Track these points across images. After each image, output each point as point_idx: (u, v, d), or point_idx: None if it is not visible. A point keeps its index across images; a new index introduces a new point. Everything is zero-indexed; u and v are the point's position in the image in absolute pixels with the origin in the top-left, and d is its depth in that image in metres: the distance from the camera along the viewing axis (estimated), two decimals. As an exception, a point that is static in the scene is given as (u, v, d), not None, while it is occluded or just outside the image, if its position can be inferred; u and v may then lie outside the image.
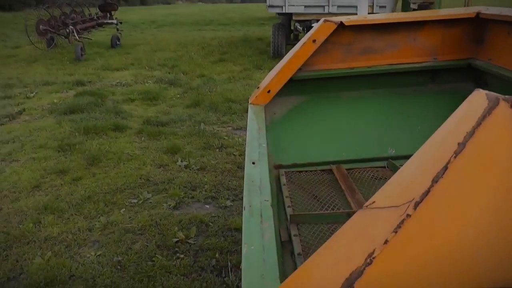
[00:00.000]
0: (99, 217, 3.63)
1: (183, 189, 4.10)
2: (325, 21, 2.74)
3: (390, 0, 3.91)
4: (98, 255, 3.14)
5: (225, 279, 2.84)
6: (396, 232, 0.76)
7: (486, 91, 0.84)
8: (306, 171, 2.75)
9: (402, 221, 0.76)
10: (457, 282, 0.77)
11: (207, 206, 3.79)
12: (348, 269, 0.77)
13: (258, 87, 2.68)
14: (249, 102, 2.63)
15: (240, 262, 1.31)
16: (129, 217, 3.61)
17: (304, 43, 2.69)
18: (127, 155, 4.94)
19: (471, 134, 0.79)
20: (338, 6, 10.73)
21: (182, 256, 3.09)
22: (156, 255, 3.09)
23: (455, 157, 0.78)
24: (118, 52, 12.93)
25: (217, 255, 3.08)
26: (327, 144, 2.90)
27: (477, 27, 2.78)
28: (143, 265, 3.00)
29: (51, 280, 2.87)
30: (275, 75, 2.66)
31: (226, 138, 5.45)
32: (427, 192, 0.77)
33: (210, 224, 3.48)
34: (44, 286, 2.84)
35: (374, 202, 0.90)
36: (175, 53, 12.58)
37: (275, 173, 2.63)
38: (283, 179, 2.57)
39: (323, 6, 11.00)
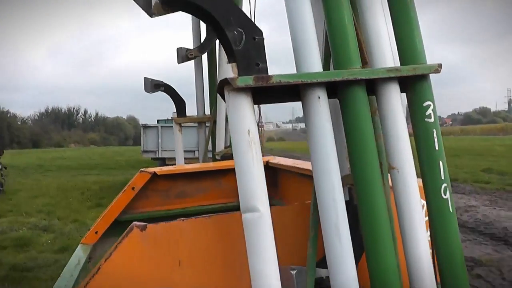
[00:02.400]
0: None
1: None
2: (141, 171, 3.09)
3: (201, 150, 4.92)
4: None
5: None
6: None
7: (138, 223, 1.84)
8: None
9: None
10: None
11: None
12: None
13: (89, 229, 3.07)
14: (80, 242, 2.99)
15: None
16: None
17: (124, 190, 3.00)
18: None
19: (108, 256, 1.78)
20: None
21: None
22: None
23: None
24: None
25: None
26: None
27: (271, 173, 3.36)
28: None
29: None
30: (101, 217, 2.96)
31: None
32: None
33: None
34: None
35: None
36: (54, 198, 12.94)
37: None
38: None
39: (194, 151, 12.32)
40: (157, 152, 12.74)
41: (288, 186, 3.34)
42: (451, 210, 1.43)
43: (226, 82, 1.26)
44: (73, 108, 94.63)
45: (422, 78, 1.45)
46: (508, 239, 7.40)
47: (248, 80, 1.26)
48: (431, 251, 1.49)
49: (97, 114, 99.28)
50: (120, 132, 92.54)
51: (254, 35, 1.29)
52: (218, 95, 4.26)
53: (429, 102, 1.43)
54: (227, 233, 1.69)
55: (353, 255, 1.36)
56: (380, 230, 1.36)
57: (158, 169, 3.12)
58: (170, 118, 19.03)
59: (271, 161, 3.34)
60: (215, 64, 4.51)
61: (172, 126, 13.97)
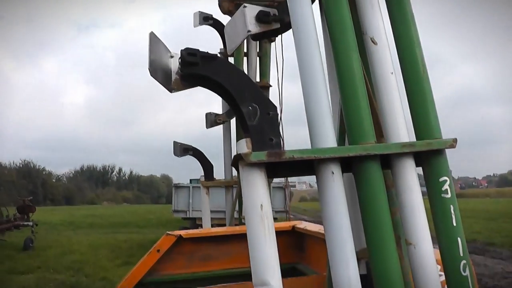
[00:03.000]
0: None
1: None
2: (167, 234, 3.19)
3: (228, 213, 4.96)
4: None
5: None
6: None
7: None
8: None
9: None
10: None
11: None
12: None
13: None
14: None
15: None
16: None
17: (150, 252, 3.07)
18: None
19: None
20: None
21: None
22: None
23: None
24: (29, 254, 13.15)
25: None
26: None
27: (297, 237, 3.43)
28: None
29: None
30: (125, 279, 3.01)
31: None
32: None
33: None
34: None
35: None
36: (84, 255, 13.07)
37: None
38: None
39: (223, 211, 12.35)
40: (187, 212, 12.84)
41: (315, 252, 3.33)
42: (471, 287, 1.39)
43: (239, 157, 1.29)
44: (108, 166, 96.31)
45: (437, 153, 1.44)
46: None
47: (261, 156, 1.28)
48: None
49: (131, 172, 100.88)
50: (154, 190, 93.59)
51: (268, 110, 1.32)
52: None
53: (445, 178, 1.41)
54: None
55: None
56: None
57: (184, 232, 3.17)
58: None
59: (297, 225, 3.38)
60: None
61: (203, 186, 14.21)
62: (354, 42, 1.46)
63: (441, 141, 1.44)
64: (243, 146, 1.28)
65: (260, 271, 1.26)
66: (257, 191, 1.28)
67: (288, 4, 1.54)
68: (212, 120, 4.46)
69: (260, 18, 1.61)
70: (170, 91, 1.35)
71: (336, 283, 1.32)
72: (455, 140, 1.45)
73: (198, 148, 4.59)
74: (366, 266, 1.58)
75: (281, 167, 1.38)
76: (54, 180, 76.26)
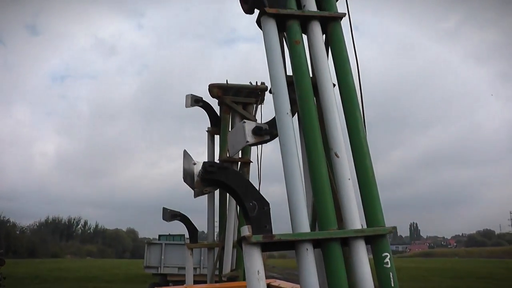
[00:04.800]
0: None
1: None
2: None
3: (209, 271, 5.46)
4: None
5: None
6: None
7: None
8: None
9: None
10: None
11: None
12: None
13: None
14: None
15: None
16: None
17: None
18: None
19: None
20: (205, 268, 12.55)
21: None
22: None
23: None
24: None
25: None
26: None
27: None
28: None
29: None
30: None
31: None
32: None
33: None
34: None
35: None
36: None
37: None
38: None
39: (196, 268, 12.68)
40: (159, 268, 13.08)
41: None
42: None
43: (244, 238, 1.85)
44: (73, 219, 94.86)
45: (381, 236, 2.03)
46: None
47: (259, 238, 1.84)
48: None
49: (97, 225, 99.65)
50: (118, 244, 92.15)
51: (264, 206, 1.90)
52: (226, 223, 4.89)
53: (386, 253, 2.00)
54: None
55: None
56: None
57: None
58: (170, 234, 19.47)
59: (272, 283, 3.78)
60: (225, 200, 5.14)
61: (175, 243, 14.45)
62: (323, 155, 2.08)
63: (384, 228, 2.04)
64: (246, 231, 1.84)
65: None
66: (256, 262, 1.83)
67: (276, 121, 2.16)
68: (199, 191, 4.97)
69: (255, 131, 2.23)
70: (194, 195, 1.91)
71: None
72: (394, 228, 2.07)
73: (181, 211, 5.10)
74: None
75: (271, 244, 1.93)
76: (18, 232, 74.84)
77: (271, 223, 1.89)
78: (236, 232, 4.83)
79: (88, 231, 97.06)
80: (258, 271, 1.83)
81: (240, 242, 1.88)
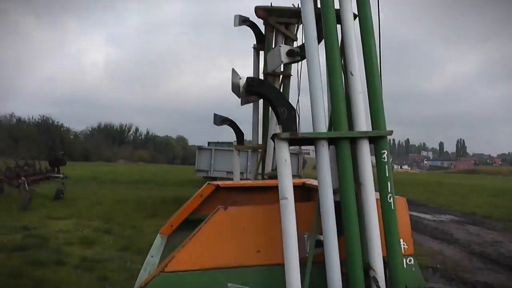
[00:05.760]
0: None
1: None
2: (208, 183, 3.97)
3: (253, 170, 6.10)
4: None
5: None
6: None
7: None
8: None
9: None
10: None
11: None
12: None
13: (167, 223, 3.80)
14: (159, 232, 3.79)
15: None
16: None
17: (194, 196, 3.83)
18: (66, 283, 6.48)
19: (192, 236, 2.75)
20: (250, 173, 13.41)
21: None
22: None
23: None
24: (61, 204, 14.47)
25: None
26: None
27: (307, 191, 4.03)
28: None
29: None
30: (176, 214, 3.78)
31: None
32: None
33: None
34: None
35: None
36: (112, 207, 14.43)
37: None
38: None
39: (242, 173, 13.50)
40: (209, 171, 14.05)
41: None
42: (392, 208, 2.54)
43: (275, 135, 2.48)
44: (125, 126, 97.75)
45: (382, 137, 2.62)
46: (524, 271, 8.19)
47: (287, 135, 2.47)
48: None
49: (148, 132, 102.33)
50: (169, 151, 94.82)
51: (291, 111, 2.51)
52: (268, 130, 5.57)
53: (384, 151, 2.59)
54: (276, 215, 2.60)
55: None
56: (350, 220, 2.51)
57: (221, 183, 3.95)
58: (219, 141, 20.50)
59: (307, 182, 4.24)
60: (268, 110, 5.83)
61: (223, 149, 15.26)
62: (341, 73, 2.63)
63: (384, 131, 2.62)
64: (277, 129, 2.47)
65: (283, 191, 2.45)
66: (284, 153, 2.48)
67: (305, 45, 2.71)
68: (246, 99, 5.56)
69: (289, 53, 2.80)
70: (241, 103, 2.48)
71: (321, 205, 2.53)
72: (391, 132, 2.62)
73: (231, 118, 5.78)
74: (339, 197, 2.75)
75: (296, 141, 2.57)
76: (72, 137, 77.45)
77: (296, 124, 2.51)
78: None
79: (140, 138, 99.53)
80: (285, 159, 2.47)
81: (273, 138, 2.51)
